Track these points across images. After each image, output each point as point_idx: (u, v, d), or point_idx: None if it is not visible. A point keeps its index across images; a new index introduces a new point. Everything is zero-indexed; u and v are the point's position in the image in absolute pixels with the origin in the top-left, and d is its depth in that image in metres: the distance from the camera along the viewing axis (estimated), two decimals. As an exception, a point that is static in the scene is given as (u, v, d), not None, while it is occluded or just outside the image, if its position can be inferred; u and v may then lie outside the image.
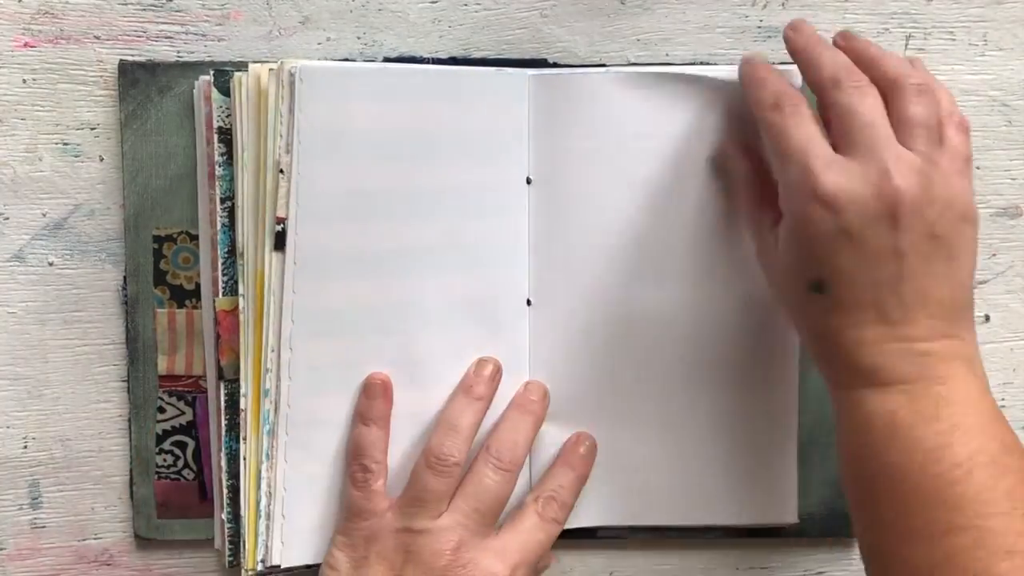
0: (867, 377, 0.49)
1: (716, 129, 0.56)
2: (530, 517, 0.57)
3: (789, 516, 0.60)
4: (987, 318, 0.62)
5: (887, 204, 0.48)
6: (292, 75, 0.53)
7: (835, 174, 0.49)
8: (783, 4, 0.59)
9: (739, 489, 0.59)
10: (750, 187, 0.56)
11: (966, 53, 0.60)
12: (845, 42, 0.53)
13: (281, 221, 0.54)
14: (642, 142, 0.56)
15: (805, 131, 0.50)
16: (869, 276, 0.49)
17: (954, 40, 0.60)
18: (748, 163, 0.56)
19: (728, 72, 0.56)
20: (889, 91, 0.50)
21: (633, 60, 0.59)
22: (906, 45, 0.60)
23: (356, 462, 0.56)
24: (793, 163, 0.50)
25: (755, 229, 0.55)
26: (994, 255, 0.62)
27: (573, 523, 0.58)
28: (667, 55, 0.59)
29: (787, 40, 0.53)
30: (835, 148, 0.50)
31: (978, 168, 0.61)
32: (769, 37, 0.59)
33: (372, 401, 0.56)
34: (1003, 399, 0.63)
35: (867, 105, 0.50)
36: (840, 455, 0.51)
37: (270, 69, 0.54)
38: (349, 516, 0.56)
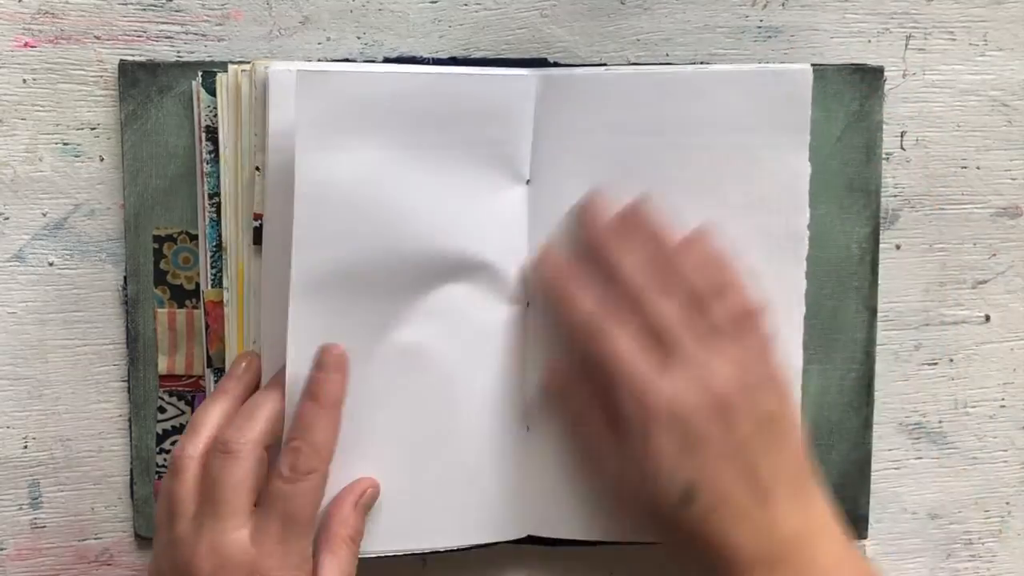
0: (748, 569, 0.50)
1: (716, 129, 0.56)
2: (272, 489, 0.51)
3: None
4: (987, 318, 0.62)
5: (716, 403, 0.51)
6: (266, 76, 0.53)
7: (666, 386, 0.51)
8: (783, 4, 0.59)
9: None
10: (594, 410, 0.54)
11: (966, 53, 0.60)
12: (632, 221, 0.55)
13: (259, 217, 0.54)
14: (642, 142, 0.56)
15: (624, 346, 0.52)
16: (726, 472, 0.51)
17: (954, 40, 0.60)
18: (588, 387, 0.55)
19: (728, 72, 0.56)
20: (692, 299, 0.53)
21: (633, 60, 0.59)
22: (906, 45, 0.60)
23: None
24: (621, 383, 0.52)
25: (602, 453, 0.54)
26: (994, 255, 0.62)
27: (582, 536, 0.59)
28: (667, 55, 0.59)
29: (586, 235, 0.55)
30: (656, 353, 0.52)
31: (978, 168, 0.61)
32: (769, 37, 0.59)
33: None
34: (1003, 399, 0.63)
35: (671, 313, 0.52)
36: None
37: (242, 70, 0.54)
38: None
